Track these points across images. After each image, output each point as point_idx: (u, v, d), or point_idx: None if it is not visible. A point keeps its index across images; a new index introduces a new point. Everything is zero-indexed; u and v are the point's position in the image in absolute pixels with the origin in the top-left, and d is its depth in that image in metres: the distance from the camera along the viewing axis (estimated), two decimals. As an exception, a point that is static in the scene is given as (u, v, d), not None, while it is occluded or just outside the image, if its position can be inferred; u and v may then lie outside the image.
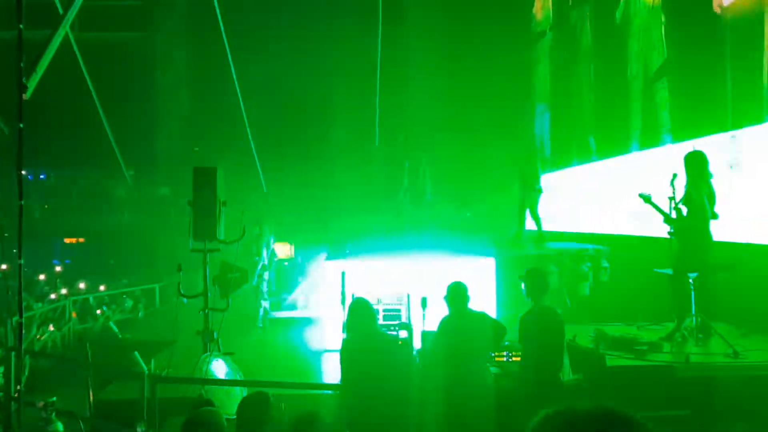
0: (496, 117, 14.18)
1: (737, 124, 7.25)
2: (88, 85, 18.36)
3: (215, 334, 6.87)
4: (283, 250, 13.66)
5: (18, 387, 6.00)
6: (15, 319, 7.12)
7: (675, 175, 6.43)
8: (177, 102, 21.89)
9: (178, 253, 8.34)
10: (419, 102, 14.24)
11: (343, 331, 5.40)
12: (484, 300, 8.02)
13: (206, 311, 6.85)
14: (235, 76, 17.28)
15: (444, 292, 5.31)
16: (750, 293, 6.38)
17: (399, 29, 12.37)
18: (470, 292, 5.26)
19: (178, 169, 20.74)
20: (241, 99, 17.50)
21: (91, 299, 13.42)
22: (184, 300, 7.39)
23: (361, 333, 4.97)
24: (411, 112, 14.10)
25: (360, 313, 5.00)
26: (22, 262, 5.99)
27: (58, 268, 18.43)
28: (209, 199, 6.81)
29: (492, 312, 8.07)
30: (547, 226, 13.49)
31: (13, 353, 6.40)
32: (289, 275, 12.76)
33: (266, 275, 10.20)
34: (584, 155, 12.10)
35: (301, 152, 17.46)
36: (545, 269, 6.86)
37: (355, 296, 5.63)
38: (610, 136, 10.90)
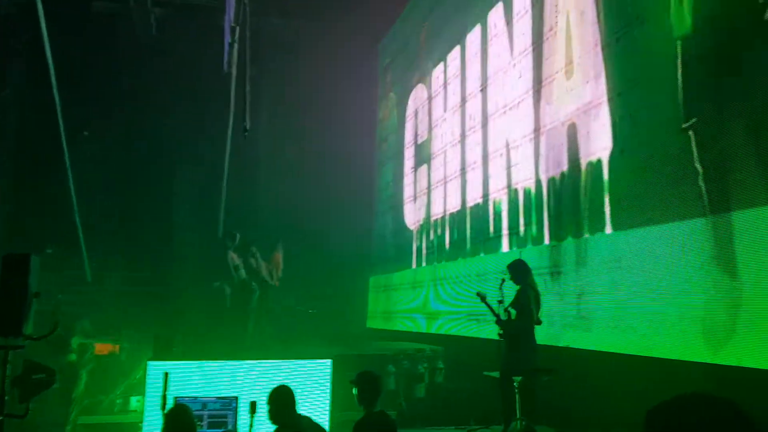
0: (339, 212, 14.51)
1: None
2: None
3: (10, 444, 6.00)
4: (105, 346, 12.55)
5: None
6: None
7: (503, 280, 6.83)
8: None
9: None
10: (267, 191, 14.23)
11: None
12: (319, 404, 7.80)
13: (1, 418, 5.99)
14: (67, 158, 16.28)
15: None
16: (570, 396, 6.75)
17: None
18: (299, 396, 5.08)
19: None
20: (71, 182, 16.43)
21: None
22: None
23: (179, 443, 4.57)
24: (257, 202, 14.02)
25: (178, 422, 4.62)
26: None
27: None
28: (19, 290, 6.12)
29: (326, 416, 7.84)
30: (388, 324, 13.68)
31: None
32: (109, 374, 11.66)
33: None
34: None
35: (139, 245, 16.56)
36: (379, 371, 6.83)
37: (176, 401, 5.21)
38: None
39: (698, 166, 5.49)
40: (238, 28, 11.50)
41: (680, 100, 5.70)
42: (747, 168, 5.01)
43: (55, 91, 14.72)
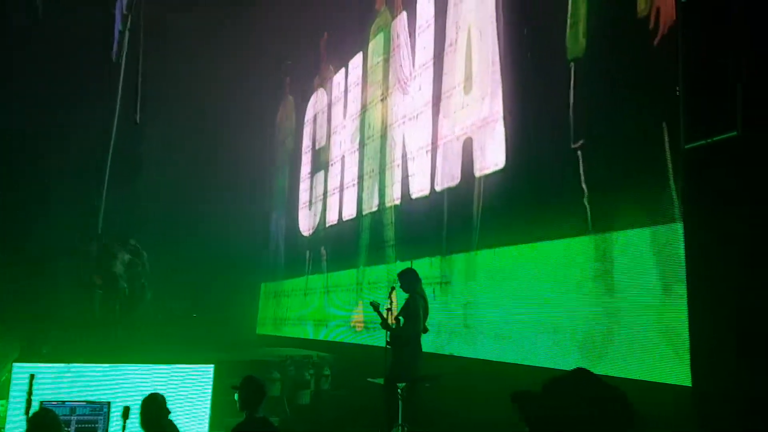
0: (232, 214, 14.15)
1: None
2: None
3: None
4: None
5: None
6: None
7: (393, 288, 6.89)
8: None
9: None
10: (155, 190, 13.61)
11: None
12: (198, 409, 7.51)
13: None
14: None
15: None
16: (453, 403, 6.88)
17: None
18: (178, 401, 4.89)
19: None
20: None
21: None
22: None
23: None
24: (143, 200, 13.37)
25: (42, 426, 4.28)
26: None
27: None
28: None
29: (205, 421, 7.58)
30: (278, 331, 13.47)
31: None
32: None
33: None
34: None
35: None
36: (264, 377, 6.68)
37: (41, 405, 4.84)
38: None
39: (584, 185, 5.78)
40: (130, 17, 10.97)
41: (571, 121, 5.98)
42: (628, 190, 5.32)
43: None
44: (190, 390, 7.61)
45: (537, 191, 6.44)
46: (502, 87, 7.18)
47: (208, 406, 7.68)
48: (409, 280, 6.94)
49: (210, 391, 7.71)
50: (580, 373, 1.46)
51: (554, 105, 6.19)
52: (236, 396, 4.85)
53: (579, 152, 5.86)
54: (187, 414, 6.81)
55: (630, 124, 5.35)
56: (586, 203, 5.75)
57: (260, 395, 4.91)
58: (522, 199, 6.68)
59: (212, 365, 8.03)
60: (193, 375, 7.84)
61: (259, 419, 4.84)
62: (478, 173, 7.48)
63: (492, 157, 7.24)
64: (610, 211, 5.49)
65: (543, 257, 6.24)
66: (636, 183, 5.25)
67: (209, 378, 7.86)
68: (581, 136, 5.87)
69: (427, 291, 7.27)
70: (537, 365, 6.06)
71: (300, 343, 11.39)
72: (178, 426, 5.19)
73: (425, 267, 8.00)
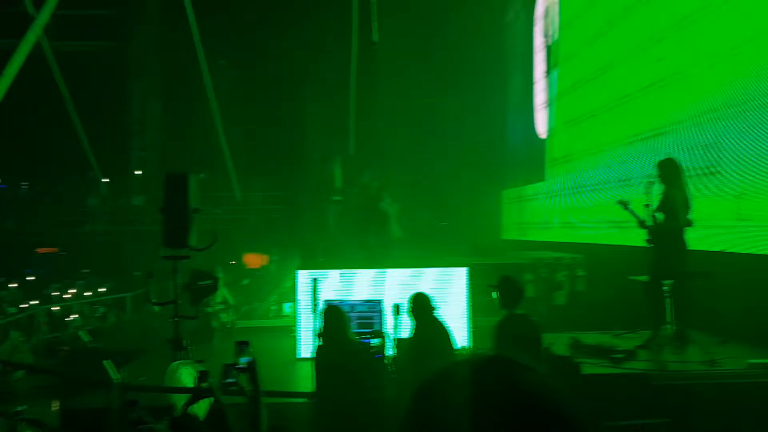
0: (471, 126, 14.25)
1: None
2: (63, 95, 18.17)
3: (184, 342, 6.73)
4: (255, 259, 13.52)
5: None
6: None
7: (650, 183, 6.43)
8: (151, 110, 21.75)
9: (150, 262, 8.19)
10: (395, 107, 14.21)
11: (315, 339, 5.31)
12: (456, 310, 7.98)
13: (176, 319, 6.71)
14: (208, 84, 17.17)
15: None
16: (726, 302, 6.39)
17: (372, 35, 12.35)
18: (436, 302, 5.28)
19: (151, 178, 20.61)
20: (215, 106, 17.40)
21: (61, 309, 13.17)
22: (155, 308, 7.26)
23: (335, 340, 4.89)
24: (387, 118, 14.06)
25: (333, 319, 4.92)
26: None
27: (30, 278, 18.07)
28: (180, 206, 6.68)
29: (463, 322, 8.02)
30: (524, 235, 13.53)
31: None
32: (260, 284, 12.64)
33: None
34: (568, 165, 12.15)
35: (274, 160, 17.40)
36: (519, 278, 6.81)
37: (327, 303, 5.54)
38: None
39: None
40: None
41: None
42: None
43: (192, 24, 15.36)
44: (448, 290, 8.12)
45: None
46: None
47: (466, 306, 8.14)
48: (667, 170, 6.43)
49: (466, 291, 8.14)
50: None
51: None
52: (494, 294, 5.04)
53: None
54: (448, 311, 7.29)
55: None
56: None
57: (519, 293, 5.05)
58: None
59: (466, 268, 8.44)
60: (448, 277, 8.33)
61: (519, 316, 5.00)
62: None
63: None
64: None
65: None
66: None
67: (464, 280, 8.29)
68: None
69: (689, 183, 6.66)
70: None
71: (547, 246, 11.32)
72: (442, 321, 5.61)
73: (684, 157, 7.32)
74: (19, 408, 6.17)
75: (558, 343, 6.33)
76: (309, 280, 7.23)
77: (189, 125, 19.08)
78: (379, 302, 6.76)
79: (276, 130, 17.22)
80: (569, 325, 7.77)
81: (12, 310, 12.38)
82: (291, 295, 10.57)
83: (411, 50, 14.32)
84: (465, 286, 8.26)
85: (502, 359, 0.96)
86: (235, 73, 18.06)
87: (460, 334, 7.52)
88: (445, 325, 5.52)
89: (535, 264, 9.33)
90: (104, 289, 15.86)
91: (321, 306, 5.74)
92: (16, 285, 15.82)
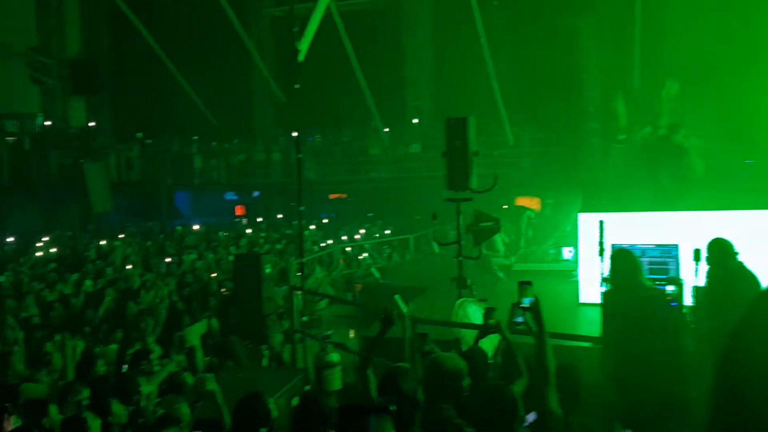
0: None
1: None
2: (348, 52, 19.80)
3: (468, 281, 7.01)
4: (531, 202, 13.42)
5: (302, 319, 6.81)
6: (297, 260, 8.00)
7: None
8: (424, 61, 22.62)
9: (429, 206, 8.59)
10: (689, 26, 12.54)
11: (601, 284, 5.13)
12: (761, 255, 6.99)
13: (460, 259, 7.00)
14: (480, 26, 17.18)
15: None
16: None
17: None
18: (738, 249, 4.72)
19: (426, 126, 21.58)
20: (486, 49, 17.39)
21: (354, 248, 14.63)
22: (436, 248, 7.67)
23: (625, 285, 4.68)
24: (680, 45, 12.49)
25: (623, 263, 4.70)
26: (302, 208, 6.75)
27: (325, 221, 20.46)
28: (461, 150, 6.88)
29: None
30: None
31: (294, 291, 7.25)
32: (538, 227, 12.55)
33: None
34: None
35: (546, 101, 16.92)
36: None
37: (616, 247, 5.29)
38: None
39: None
40: None
41: None
42: None
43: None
44: (753, 235, 7.17)
45: None
46: None
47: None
48: None
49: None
50: None
51: None
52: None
53: None
54: (755, 261, 6.46)
55: None
56: None
57: None
58: None
59: (777, 211, 7.36)
60: (755, 221, 7.37)
61: None
62: None
63: None
64: None
65: None
66: None
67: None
68: None
69: None
70: None
71: None
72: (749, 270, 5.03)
73: None
74: (327, 332, 7.09)
75: None
76: (592, 224, 6.96)
77: (461, 73, 19.45)
78: (674, 247, 6.24)
79: (550, 67, 16.65)
80: None
81: (315, 248, 14.11)
82: (569, 239, 10.33)
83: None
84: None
85: None
86: (507, 11, 17.82)
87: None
88: (753, 275, 4.95)
89: None
90: (389, 231, 17.25)
91: (608, 250, 5.50)
92: (314, 227, 17.97)
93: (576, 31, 14.90)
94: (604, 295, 4.92)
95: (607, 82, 12.50)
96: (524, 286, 3.56)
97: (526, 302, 3.50)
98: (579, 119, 14.34)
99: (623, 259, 4.71)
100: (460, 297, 6.89)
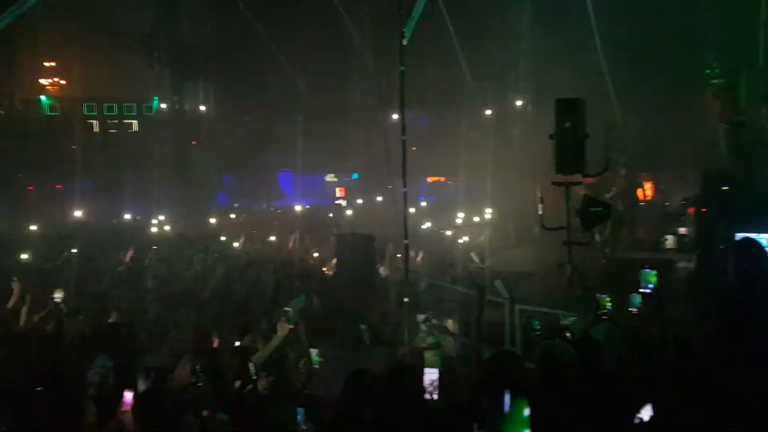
0: None
1: None
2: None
3: (571, 267, 6.76)
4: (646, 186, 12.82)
5: (405, 300, 6.89)
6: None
7: None
8: (528, 43, 21.96)
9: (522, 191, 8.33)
10: None
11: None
12: None
13: (568, 244, 6.76)
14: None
15: None
16: None
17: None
18: None
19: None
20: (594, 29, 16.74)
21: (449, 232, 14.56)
22: (538, 233, 7.44)
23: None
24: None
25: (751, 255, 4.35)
26: (405, 189, 6.76)
27: (423, 204, 20.44)
28: (572, 132, 6.61)
29: None
30: None
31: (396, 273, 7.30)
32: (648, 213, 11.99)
33: None
34: None
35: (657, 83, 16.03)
36: None
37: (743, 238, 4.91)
38: None
39: None
40: None
41: None
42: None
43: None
44: None
45: None
46: None
47: None
48: None
49: None
50: None
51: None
52: None
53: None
54: None
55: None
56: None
57: None
58: None
59: None
60: None
61: None
62: None
63: None
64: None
65: None
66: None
67: None
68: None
69: None
70: None
71: None
72: None
73: None
74: (427, 313, 7.11)
75: None
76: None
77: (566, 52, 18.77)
78: None
79: (658, 42, 15.72)
80: None
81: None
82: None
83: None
84: None
85: None
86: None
87: None
88: None
89: None
90: (489, 216, 16.98)
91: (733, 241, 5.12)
92: (413, 210, 17.97)
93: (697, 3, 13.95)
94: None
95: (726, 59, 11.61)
96: (647, 272, 3.39)
97: (648, 288, 3.32)
98: (696, 100, 13.47)
99: (750, 249, 4.37)
100: (568, 283, 6.64)
